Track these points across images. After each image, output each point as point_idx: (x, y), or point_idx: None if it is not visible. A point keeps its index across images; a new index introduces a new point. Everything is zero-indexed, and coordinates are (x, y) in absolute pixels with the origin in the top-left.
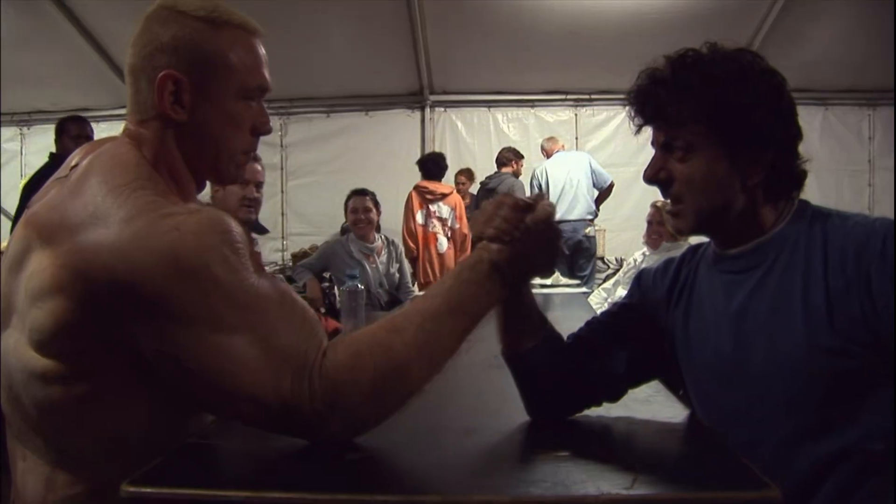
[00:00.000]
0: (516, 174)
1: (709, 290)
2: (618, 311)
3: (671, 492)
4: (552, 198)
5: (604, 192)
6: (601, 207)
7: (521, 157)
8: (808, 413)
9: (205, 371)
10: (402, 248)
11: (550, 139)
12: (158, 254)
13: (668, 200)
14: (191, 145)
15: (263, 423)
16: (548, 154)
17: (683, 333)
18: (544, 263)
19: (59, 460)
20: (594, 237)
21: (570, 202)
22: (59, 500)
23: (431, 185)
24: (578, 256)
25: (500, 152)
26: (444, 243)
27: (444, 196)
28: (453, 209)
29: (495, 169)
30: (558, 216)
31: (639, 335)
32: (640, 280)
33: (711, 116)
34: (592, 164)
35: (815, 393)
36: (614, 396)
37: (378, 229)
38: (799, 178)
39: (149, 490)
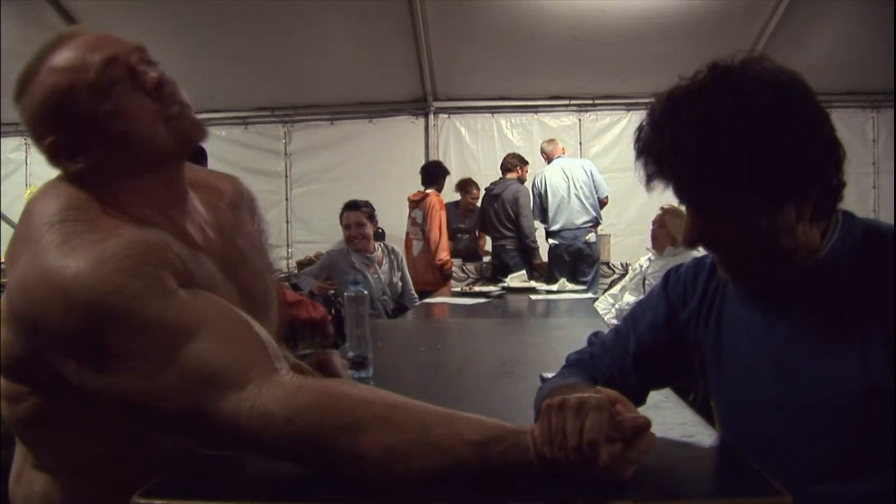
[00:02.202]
0: (521, 180)
1: (745, 315)
2: (645, 323)
3: (685, 499)
4: (551, 205)
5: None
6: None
7: (526, 162)
8: (855, 452)
9: (122, 400)
10: (402, 255)
11: (551, 141)
12: (52, 291)
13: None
14: (122, 161)
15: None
16: (548, 157)
17: (714, 354)
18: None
19: (41, 471)
20: (595, 243)
21: (571, 209)
22: None
23: (412, 195)
24: (580, 263)
25: (504, 158)
26: (417, 246)
27: (417, 203)
28: (425, 213)
29: (500, 175)
30: (559, 224)
31: (667, 350)
32: (668, 289)
33: (752, 180)
34: (594, 172)
35: (866, 433)
36: (639, 402)
37: (382, 237)
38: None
39: (159, 502)
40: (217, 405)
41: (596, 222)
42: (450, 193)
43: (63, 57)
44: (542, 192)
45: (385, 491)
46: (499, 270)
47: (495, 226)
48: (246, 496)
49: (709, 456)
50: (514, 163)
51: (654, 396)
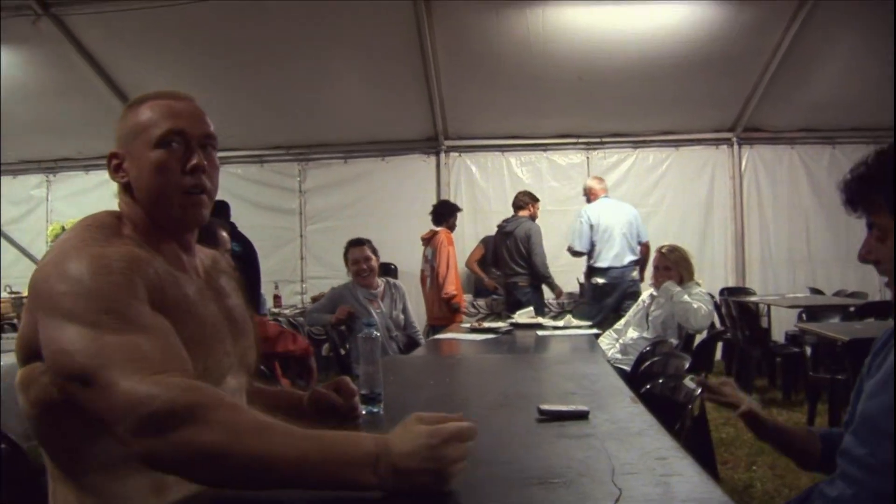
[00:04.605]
0: (532, 217)
1: None
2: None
3: None
4: (599, 242)
5: (641, 249)
6: None
7: (537, 200)
8: None
9: (62, 353)
10: (403, 289)
11: (600, 180)
12: (52, 266)
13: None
14: (139, 196)
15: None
16: (593, 195)
17: None
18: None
19: (54, 472)
20: (638, 280)
21: (619, 248)
22: None
23: (424, 234)
24: (626, 300)
25: (516, 196)
26: (429, 282)
27: (428, 241)
28: (434, 250)
29: (510, 212)
30: (607, 262)
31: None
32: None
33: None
34: (638, 217)
35: None
36: None
37: (394, 273)
38: None
39: None
40: (119, 378)
41: (637, 263)
42: (464, 228)
43: (151, 105)
44: (594, 224)
45: None
46: (511, 306)
47: (507, 263)
48: None
49: (675, 474)
50: (525, 200)
51: (638, 424)
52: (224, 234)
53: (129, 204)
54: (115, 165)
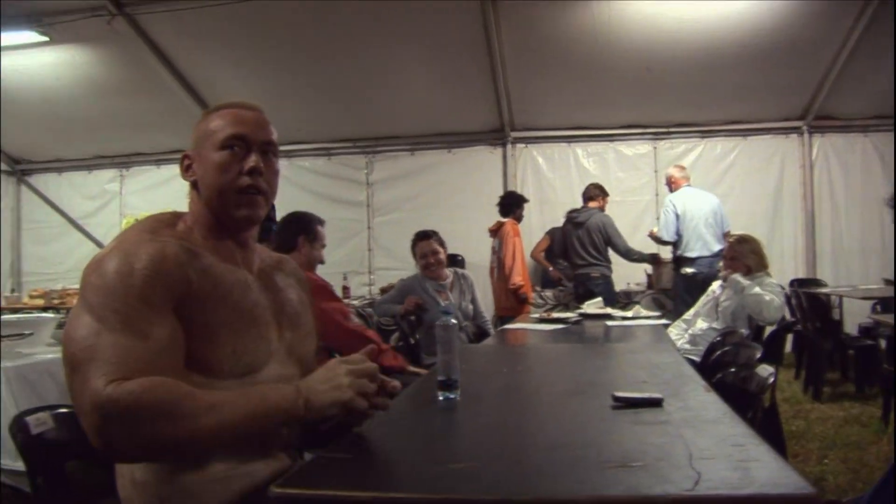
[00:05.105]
0: (601, 209)
1: None
2: None
3: (726, 492)
4: (686, 231)
5: (726, 238)
6: None
7: (607, 194)
8: None
9: (66, 335)
10: (472, 279)
11: (681, 168)
12: (93, 262)
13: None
14: (202, 194)
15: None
16: (675, 184)
17: None
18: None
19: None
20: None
21: (706, 237)
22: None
23: (491, 225)
24: None
25: (587, 188)
26: (496, 273)
27: (495, 232)
28: (501, 241)
29: (577, 203)
30: (696, 252)
31: None
32: None
33: None
34: (721, 206)
35: None
36: None
37: (462, 264)
38: None
39: (294, 491)
40: (94, 375)
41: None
42: (531, 219)
43: (222, 113)
44: (680, 213)
45: (480, 487)
46: (583, 298)
47: (579, 253)
48: (362, 487)
49: (751, 457)
50: (595, 192)
51: (713, 412)
52: (321, 228)
53: (195, 201)
54: (186, 165)
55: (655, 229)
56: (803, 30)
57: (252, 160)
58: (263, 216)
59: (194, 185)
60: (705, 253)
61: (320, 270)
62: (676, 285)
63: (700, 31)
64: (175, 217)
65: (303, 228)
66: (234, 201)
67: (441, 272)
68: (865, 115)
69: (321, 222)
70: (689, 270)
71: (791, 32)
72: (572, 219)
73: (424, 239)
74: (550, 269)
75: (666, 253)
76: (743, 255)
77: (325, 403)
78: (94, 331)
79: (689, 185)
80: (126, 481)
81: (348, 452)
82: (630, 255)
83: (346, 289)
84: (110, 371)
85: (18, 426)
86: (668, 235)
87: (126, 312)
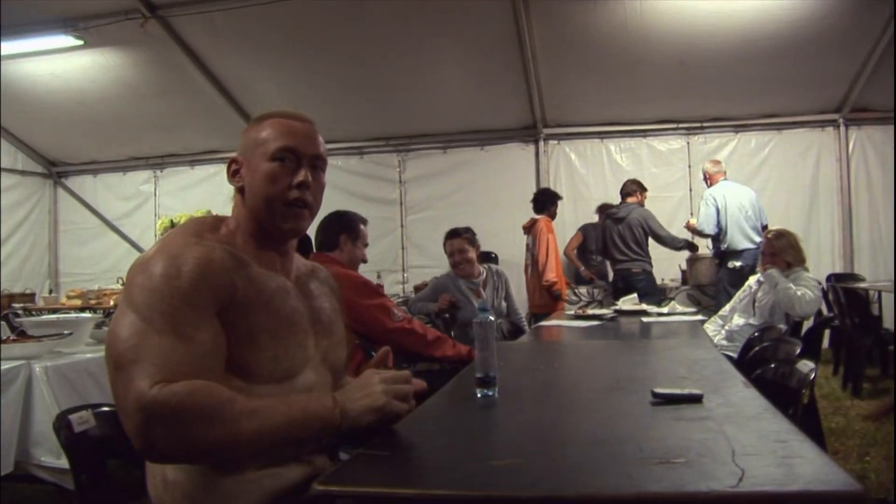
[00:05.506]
0: (640, 205)
1: None
2: None
3: (771, 489)
4: (729, 225)
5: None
6: None
7: (646, 189)
8: None
9: (111, 333)
10: (506, 275)
11: (716, 163)
12: (128, 272)
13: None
14: (249, 202)
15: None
16: (713, 179)
17: None
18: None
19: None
20: None
21: (748, 231)
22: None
23: (525, 223)
24: None
25: (624, 184)
26: (530, 270)
27: (528, 229)
28: (535, 238)
29: (610, 199)
30: (743, 245)
31: None
32: None
33: None
34: (758, 200)
35: None
36: None
37: (495, 260)
38: None
39: (336, 489)
40: (139, 377)
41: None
42: (564, 215)
43: (273, 122)
44: (718, 210)
45: (520, 483)
46: (623, 293)
47: (620, 248)
48: (403, 484)
49: (795, 454)
50: (634, 188)
51: (754, 408)
52: (364, 227)
53: (239, 206)
54: (233, 171)
55: (693, 220)
56: (839, 20)
57: (301, 174)
58: (307, 229)
59: (240, 191)
60: (750, 246)
61: None
62: (721, 280)
63: (734, 23)
64: (218, 221)
65: (345, 227)
66: (281, 213)
67: (471, 270)
68: None
69: (364, 221)
70: (736, 264)
71: (826, 23)
72: (611, 214)
73: (454, 237)
74: (581, 269)
75: (702, 248)
76: (782, 250)
77: (361, 411)
78: (139, 331)
79: (725, 179)
80: (157, 481)
81: (387, 450)
82: (676, 244)
83: (380, 286)
84: (155, 373)
85: (62, 424)
86: (710, 228)
87: (172, 315)
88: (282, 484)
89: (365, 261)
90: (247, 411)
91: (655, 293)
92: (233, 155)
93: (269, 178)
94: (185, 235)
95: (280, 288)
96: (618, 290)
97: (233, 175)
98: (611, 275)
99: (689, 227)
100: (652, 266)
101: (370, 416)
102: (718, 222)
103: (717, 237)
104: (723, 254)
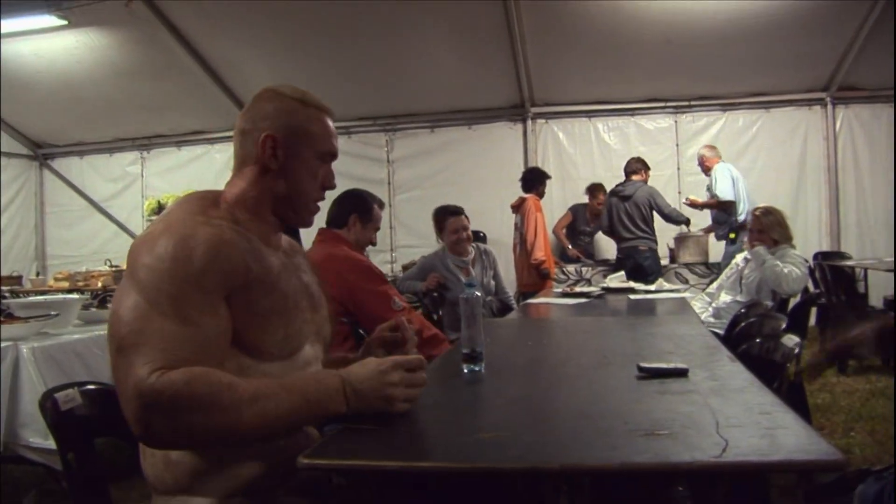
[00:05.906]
0: (644, 182)
1: None
2: None
3: (754, 458)
4: (742, 197)
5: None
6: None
7: (649, 167)
8: None
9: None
10: (494, 254)
11: (712, 148)
12: (129, 252)
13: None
14: (280, 187)
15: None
16: (709, 163)
17: None
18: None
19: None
20: None
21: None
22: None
23: (513, 202)
24: None
25: (628, 162)
26: (518, 249)
27: (517, 208)
28: (523, 216)
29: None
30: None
31: None
32: None
33: None
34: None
35: None
36: None
37: (484, 240)
38: None
39: (322, 462)
40: (140, 362)
41: None
42: (552, 194)
43: (317, 114)
44: (734, 180)
45: (506, 456)
46: (630, 272)
47: (627, 226)
48: (388, 457)
49: (778, 424)
50: (638, 166)
51: (740, 381)
52: (378, 210)
53: (253, 182)
54: (271, 148)
55: (693, 196)
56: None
57: (333, 178)
58: None
59: (264, 169)
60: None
61: None
62: (730, 256)
63: (721, 2)
64: (216, 195)
65: (358, 206)
66: (309, 210)
67: (468, 248)
68: (890, 86)
69: (381, 204)
70: None
71: (814, 2)
72: (617, 192)
73: (456, 215)
74: (569, 247)
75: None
76: (769, 227)
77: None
78: (143, 314)
79: (722, 162)
80: (157, 459)
81: (374, 424)
82: (680, 219)
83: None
84: (156, 359)
85: (47, 402)
86: (731, 195)
87: (179, 298)
88: (284, 457)
89: (374, 243)
90: (247, 398)
91: (659, 271)
92: (267, 131)
93: (314, 177)
94: (191, 214)
95: (283, 265)
96: (625, 269)
97: (272, 153)
98: (598, 254)
99: (689, 203)
100: (657, 244)
101: (380, 408)
102: (735, 193)
103: (736, 211)
104: (740, 227)
